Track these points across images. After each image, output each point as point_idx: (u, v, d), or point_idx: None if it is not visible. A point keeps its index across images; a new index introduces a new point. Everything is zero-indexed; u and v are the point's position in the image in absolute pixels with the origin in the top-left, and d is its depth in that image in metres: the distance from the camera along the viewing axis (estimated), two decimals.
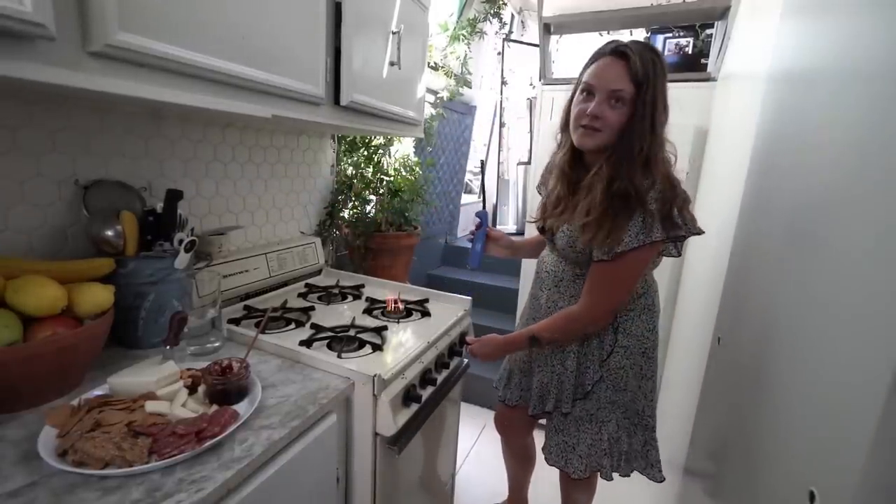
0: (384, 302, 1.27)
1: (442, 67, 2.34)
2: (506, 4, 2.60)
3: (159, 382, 0.73)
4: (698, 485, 1.04)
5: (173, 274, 0.94)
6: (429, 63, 2.03)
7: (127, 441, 0.61)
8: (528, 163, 3.26)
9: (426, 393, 1.01)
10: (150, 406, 0.68)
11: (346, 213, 1.73)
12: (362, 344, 1.02)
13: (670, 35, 1.98)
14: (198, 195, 1.19)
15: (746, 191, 1.01)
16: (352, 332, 1.05)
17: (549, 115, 2.06)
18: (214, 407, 0.73)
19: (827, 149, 0.60)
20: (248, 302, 1.24)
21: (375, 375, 0.86)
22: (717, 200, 1.34)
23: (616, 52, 0.93)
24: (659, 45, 1.98)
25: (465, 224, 3.47)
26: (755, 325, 0.79)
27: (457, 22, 2.48)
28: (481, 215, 1.27)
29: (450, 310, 1.30)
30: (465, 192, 3.40)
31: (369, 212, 1.78)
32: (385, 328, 1.09)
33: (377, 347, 1.00)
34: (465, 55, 2.42)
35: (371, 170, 1.80)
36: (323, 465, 0.84)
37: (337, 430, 0.86)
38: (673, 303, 1.81)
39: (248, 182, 1.34)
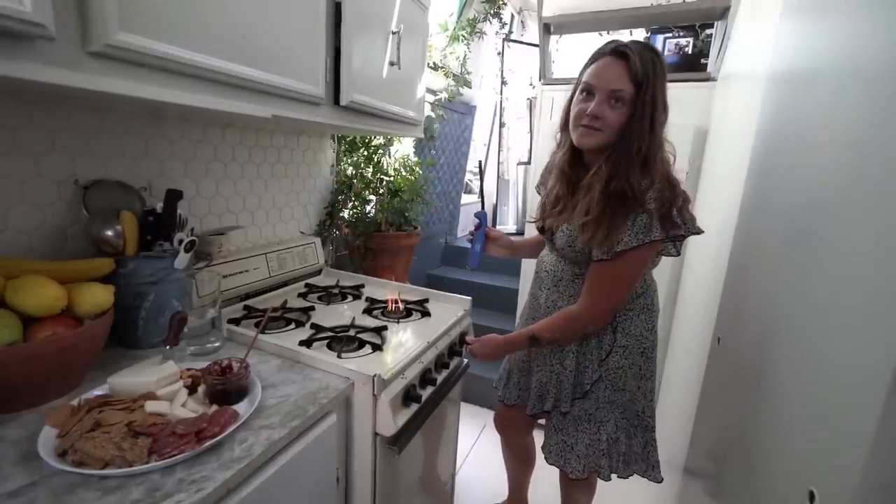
0: (384, 302, 1.27)
1: (442, 67, 2.34)
2: (506, 4, 2.60)
3: (159, 382, 0.73)
4: (698, 485, 1.04)
5: (173, 274, 0.94)
6: (429, 63, 2.03)
7: (127, 441, 0.61)
8: (528, 163, 3.25)
9: (426, 393, 1.01)
10: (150, 406, 0.68)
11: (346, 213, 1.73)
12: (362, 344, 1.02)
13: (670, 35, 1.98)
14: (198, 195, 1.19)
15: (746, 191, 1.01)
16: (352, 332, 1.05)
17: (549, 115, 2.06)
18: (214, 407, 0.73)
19: (827, 149, 0.60)
20: (248, 302, 1.24)
21: (375, 375, 0.86)
22: (716, 200, 1.34)
23: (616, 52, 0.93)
24: (659, 45, 1.98)
25: (465, 224, 3.47)
26: (755, 325, 0.79)
27: (456, 22, 2.48)
28: (480, 216, 1.27)
29: (450, 310, 1.30)
30: (465, 192, 3.40)
31: (369, 212, 1.78)
32: (385, 328, 1.09)
33: (377, 347, 1.00)
34: (465, 55, 2.42)
35: (371, 170, 1.81)
36: (323, 465, 0.84)
37: (337, 430, 0.86)
38: (673, 303, 1.81)
39: (248, 182, 1.34)
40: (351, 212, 1.74)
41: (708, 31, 1.89)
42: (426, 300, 1.33)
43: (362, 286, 1.44)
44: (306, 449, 0.77)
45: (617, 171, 0.93)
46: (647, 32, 2.06)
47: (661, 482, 1.09)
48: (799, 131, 0.73)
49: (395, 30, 1.26)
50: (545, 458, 1.14)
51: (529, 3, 3.40)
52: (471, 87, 2.73)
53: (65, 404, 0.69)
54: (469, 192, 3.48)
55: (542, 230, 1.15)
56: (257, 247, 1.36)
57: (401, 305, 1.25)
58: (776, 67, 0.93)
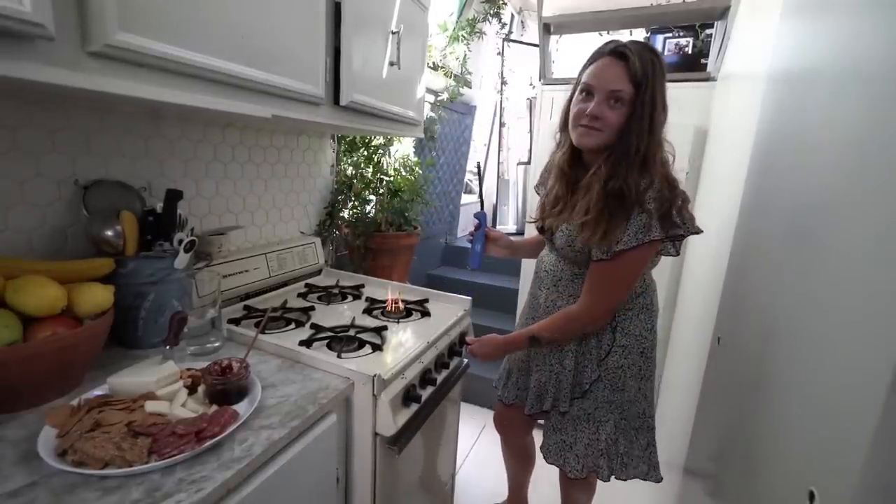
0: (384, 302, 1.27)
1: (442, 67, 2.34)
2: (506, 4, 2.60)
3: (159, 382, 0.73)
4: (698, 485, 1.04)
5: (173, 274, 0.94)
6: (429, 63, 2.03)
7: (127, 441, 0.61)
8: (528, 163, 3.25)
9: (426, 393, 1.01)
10: (150, 406, 0.68)
11: (346, 213, 1.73)
12: (362, 344, 1.02)
13: (670, 35, 1.98)
14: (198, 195, 1.19)
15: (746, 191, 1.01)
16: (352, 332, 1.05)
17: (548, 115, 2.06)
18: (214, 407, 0.73)
19: (827, 149, 0.60)
20: (248, 302, 1.24)
21: (375, 375, 0.86)
22: (716, 200, 1.34)
23: (615, 52, 0.93)
24: (659, 45, 1.98)
25: (465, 224, 3.47)
26: (755, 325, 0.79)
27: (456, 22, 2.47)
28: (480, 216, 1.27)
29: (450, 310, 1.30)
30: (465, 192, 3.40)
31: (369, 212, 1.78)
32: (385, 328, 1.09)
33: (377, 347, 1.00)
34: (465, 55, 2.42)
35: (371, 170, 1.81)
36: (323, 465, 0.84)
37: (337, 430, 0.86)
38: (673, 303, 1.81)
39: (248, 182, 1.34)
40: (351, 212, 1.74)
41: (708, 31, 1.89)
42: (426, 300, 1.33)
43: (362, 286, 1.44)
44: (306, 449, 0.77)
45: (616, 171, 0.93)
46: (647, 32, 2.06)
47: (660, 482, 1.09)
48: (799, 131, 0.73)
49: (394, 30, 1.26)
50: (544, 457, 1.14)
51: (529, 3, 3.40)
52: (471, 88, 2.73)
53: (65, 404, 0.69)
54: (469, 192, 3.48)
55: (541, 230, 1.15)
56: (257, 247, 1.36)
57: (401, 305, 1.25)
58: (776, 67, 0.93)
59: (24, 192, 0.85)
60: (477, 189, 3.71)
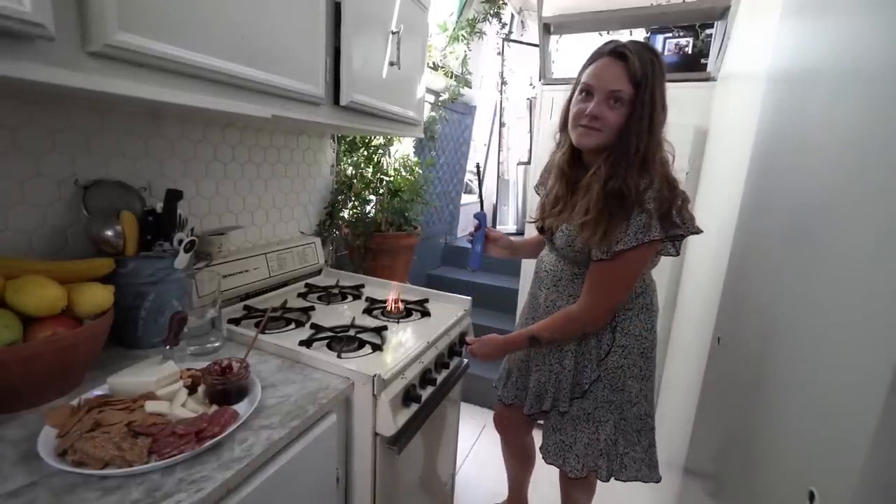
0: (384, 302, 1.27)
1: (442, 67, 2.34)
2: (506, 4, 2.60)
3: (159, 382, 0.73)
4: (698, 485, 1.04)
5: (173, 274, 0.94)
6: (429, 63, 2.03)
7: (127, 441, 0.61)
8: (528, 163, 3.25)
9: (426, 393, 1.01)
10: (150, 406, 0.68)
11: (346, 213, 1.73)
12: (362, 344, 1.02)
13: (670, 35, 1.98)
14: (198, 195, 1.19)
15: (746, 191, 1.01)
16: (352, 332, 1.05)
17: (548, 115, 2.06)
18: (214, 407, 0.73)
19: (827, 149, 0.60)
20: (248, 302, 1.24)
21: (375, 375, 0.86)
22: (717, 200, 1.34)
23: (615, 52, 0.93)
24: (659, 46, 1.98)
25: (465, 224, 3.47)
26: (755, 325, 0.79)
27: (456, 22, 2.48)
28: (480, 217, 1.27)
29: (450, 310, 1.30)
30: (465, 192, 3.40)
31: (369, 212, 1.78)
32: (385, 328, 1.09)
33: (377, 347, 1.00)
34: (465, 55, 2.42)
35: (371, 170, 1.80)
36: (323, 465, 0.84)
37: (337, 430, 0.86)
38: (673, 303, 1.81)
39: (248, 182, 1.34)
40: (351, 212, 1.74)
41: (708, 31, 1.89)
42: (426, 300, 1.33)
43: (362, 286, 1.44)
44: (306, 449, 0.77)
45: (615, 171, 0.93)
46: (647, 32, 2.06)
47: (659, 482, 1.09)
48: (799, 131, 0.73)
49: (394, 30, 1.26)
50: (543, 457, 1.14)
51: (529, 3, 3.40)
52: (471, 88, 2.73)
53: (65, 404, 0.69)
54: (469, 192, 3.48)
55: (541, 230, 1.15)
56: (257, 247, 1.36)
57: (401, 305, 1.25)
58: (776, 67, 0.93)
59: (24, 192, 0.85)
60: (477, 189, 3.71)
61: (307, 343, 0.99)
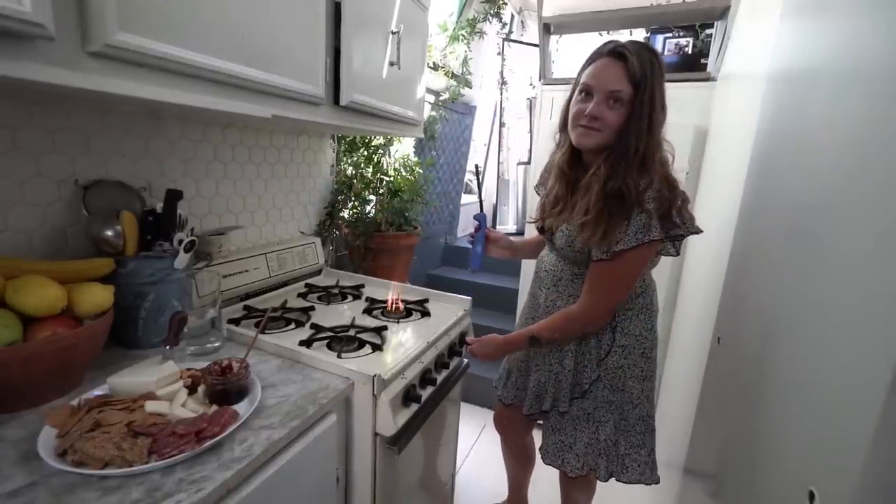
0: (384, 302, 1.27)
1: (442, 67, 2.34)
2: (506, 4, 2.60)
3: (159, 382, 0.73)
4: (698, 485, 1.04)
5: (173, 274, 0.94)
6: (429, 63, 2.03)
7: (127, 441, 0.61)
8: (528, 163, 3.25)
9: (426, 393, 1.01)
10: (150, 406, 0.68)
11: (346, 213, 1.73)
12: (362, 344, 1.02)
13: (670, 35, 1.98)
14: (198, 195, 1.19)
15: (746, 191, 1.01)
16: (352, 332, 1.05)
17: (548, 115, 2.06)
18: (214, 407, 0.73)
19: (827, 149, 0.60)
20: (248, 302, 1.24)
21: (375, 375, 0.86)
22: (717, 200, 1.34)
23: (614, 52, 0.93)
24: (659, 46, 1.98)
25: (465, 224, 3.47)
26: (755, 325, 0.79)
27: (456, 22, 2.47)
28: (479, 218, 1.27)
29: (450, 310, 1.30)
30: (465, 192, 3.40)
31: (369, 212, 1.78)
32: (385, 328, 1.09)
33: (377, 347, 1.00)
34: (465, 55, 2.42)
35: (371, 170, 1.80)
36: (323, 465, 0.84)
37: (337, 430, 0.86)
38: (673, 303, 1.81)
39: (248, 182, 1.34)
40: (351, 212, 1.74)
41: (708, 31, 1.89)
42: (426, 300, 1.33)
43: (362, 286, 1.44)
44: (306, 449, 0.77)
45: (615, 171, 0.93)
46: (647, 32, 2.06)
47: (658, 483, 1.09)
48: (799, 131, 0.73)
49: (394, 30, 1.26)
50: (542, 458, 1.14)
51: (529, 3, 3.40)
52: (471, 88, 2.73)
53: (65, 404, 0.69)
54: (469, 192, 3.48)
55: (541, 230, 1.15)
56: (257, 247, 1.36)
57: (401, 305, 1.25)
58: (776, 67, 0.93)
59: (24, 192, 0.85)
60: (476, 189, 3.71)
61: (307, 343, 0.99)
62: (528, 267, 2.00)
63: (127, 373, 0.75)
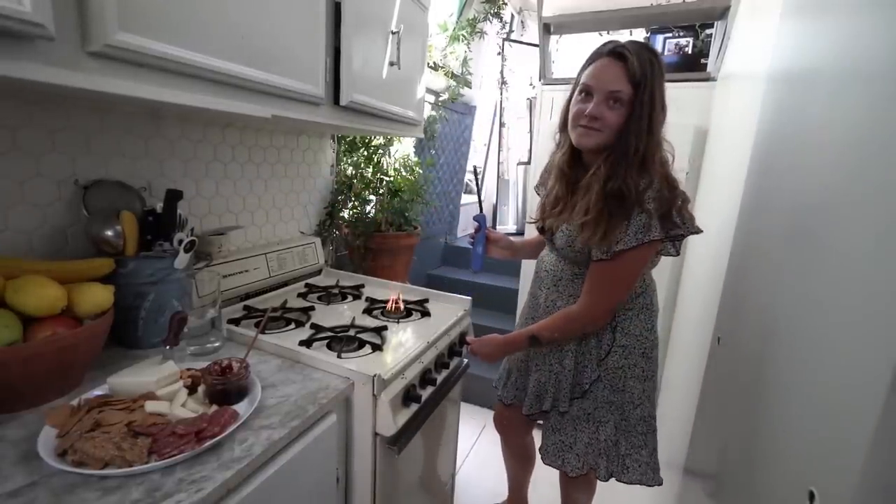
0: (384, 302, 1.27)
1: (442, 67, 2.34)
2: (506, 4, 2.60)
3: (159, 382, 0.73)
4: (698, 485, 1.04)
5: (173, 274, 0.94)
6: (429, 63, 2.03)
7: (127, 441, 0.61)
8: (528, 163, 3.26)
9: (426, 393, 1.01)
10: (150, 406, 0.68)
11: (346, 213, 1.73)
12: (362, 344, 1.02)
13: (670, 35, 1.98)
14: (198, 195, 1.19)
15: (746, 191, 1.01)
16: (352, 332, 1.05)
17: (548, 115, 2.06)
18: (214, 407, 0.73)
19: (827, 149, 0.60)
20: (248, 302, 1.24)
21: (375, 375, 0.86)
22: (717, 200, 1.34)
23: (614, 52, 0.93)
24: (659, 46, 1.98)
25: (465, 224, 3.47)
26: (755, 325, 0.79)
27: (456, 22, 2.48)
28: (479, 219, 1.28)
29: (450, 310, 1.30)
30: (465, 192, 3.40)
31: (369, 212, 1.78)
32: (385, 328, 1.09)
33: (377, 347, 1.00)
34: (465, 55, 2.42)
35: (371, 170, 1.81)
36: (323, 465, 0.84)
37: (337, 430, 0.86)
38: (673, 303, 1.81)
39: (248, 182, 1.34)
40: (351, 212, 1.74)
41: (708, 31, 1.89)
42: (426, 300, 1.33)
43: (362, 286, 1.44)
44: (306, 449, 0.77)
45: (615, 171, 0.93)
46: (647, 32, 2.06)
47: (661, 484, 1.09)
48: (799, 131, 0.73)
49: (394, 30, 1.26)
50: (542, 458, 1.14)
51: (529, 3, 3.40)
52: (471, 88, 2.73)
53: (65, 404, 0.69)
54: (469, 192, 3.48)
55: (541, 230, 1.15)
56: (257, 247, 1.36)
57: (401, 305, 1.25)
58: (776, 67, 0.93)
59: (24, 192, 0.85)
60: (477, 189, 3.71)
61: (307, 343, 0.99)
62: (528, 267, 2.01)
63: (127, 373, 0.75)
